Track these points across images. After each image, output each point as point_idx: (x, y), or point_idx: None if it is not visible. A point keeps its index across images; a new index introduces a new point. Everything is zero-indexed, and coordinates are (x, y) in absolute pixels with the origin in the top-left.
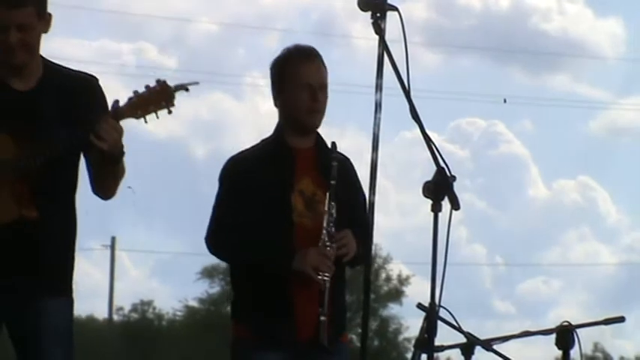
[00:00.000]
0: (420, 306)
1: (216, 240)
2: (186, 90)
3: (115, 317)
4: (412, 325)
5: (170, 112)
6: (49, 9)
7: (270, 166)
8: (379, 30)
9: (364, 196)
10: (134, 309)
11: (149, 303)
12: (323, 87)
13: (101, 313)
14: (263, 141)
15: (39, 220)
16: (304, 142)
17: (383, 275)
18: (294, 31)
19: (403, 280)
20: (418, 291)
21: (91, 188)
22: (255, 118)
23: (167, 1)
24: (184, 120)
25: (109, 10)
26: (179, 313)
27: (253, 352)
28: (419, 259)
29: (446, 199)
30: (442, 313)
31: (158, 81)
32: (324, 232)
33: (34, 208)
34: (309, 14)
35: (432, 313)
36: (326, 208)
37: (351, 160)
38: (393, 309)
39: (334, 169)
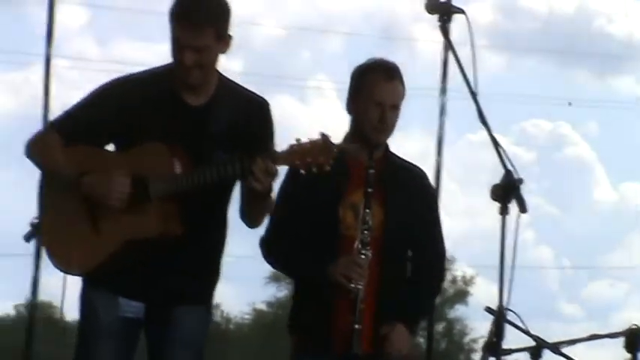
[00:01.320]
0: (488, 309)
1: (268, 247)
2: (348, 153)
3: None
4: (478, 327)
5: (328, 168)
6: (116, 11)
7: (325, 177)
8: (446, 33)
9: (437, 217)
10: None
11: (217, 306)
12: (395, 107)
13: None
14: None
15: (183, 237)
16: (362, 156)
17: (449, 277)
18: (359, 34)
19: (468, 281)
20: (483, 291)
21: (239, 214)
22: (320, 121)
23: (232, 5)
24: None
25: None
26: (247, 317)
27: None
28: (485, 262)
29: (513, 201)
30: (510, 316)
31: (322, 135)
32: (358, 239)
33: (180, 225)
34: (373, 17)
35: (500, 317)
36: (360, 216)
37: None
38: (458, 310)
39: (370, 176)
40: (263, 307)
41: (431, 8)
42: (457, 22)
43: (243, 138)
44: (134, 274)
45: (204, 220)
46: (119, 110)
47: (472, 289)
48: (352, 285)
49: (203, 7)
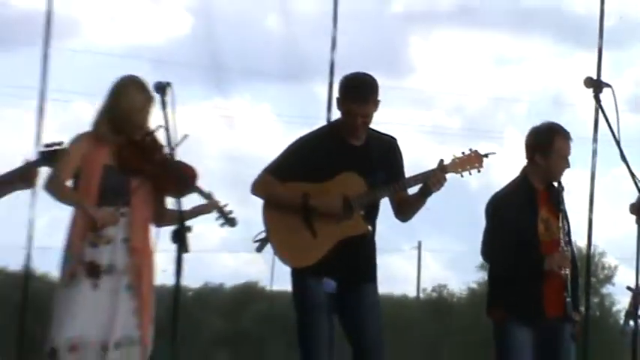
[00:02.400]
0: (628, 288)
1: (492, 257)
2: (486, 157)
3: (421, 295)
4: (622, 301)
5: (479, 171)
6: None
7: (524, 202)
8: (598, 100)
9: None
10: (433, 290)
11: (444, 286)
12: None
13: (411, 293)
14: (513, 181)
15: (367, 234)
16: (543, 186)
17: (600, 265)
18: (537, 102)
19: (614, 268)
20: (624, 275)
21: (394, 214)
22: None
23: None
24: None
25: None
26: (464, 293)
27: (511, 327)
28: (626, 255)
29: None
30: None
31: (471, 149)
32: (562, 241)
33: (368, 226)
34: (548, 88)
35: (637, 293)
36: (560, 225)
37: (566, 190)
38: (608, 289)
39: (562, 197)
40: (475, 286)
41: (588, 84)
42: (606, 93)
43: (389, 167)
44: (334, 261)
45: (373, 222)
46: (311, 157)
47: (617, 274)
48: (562, 271)
49: (367, 86)
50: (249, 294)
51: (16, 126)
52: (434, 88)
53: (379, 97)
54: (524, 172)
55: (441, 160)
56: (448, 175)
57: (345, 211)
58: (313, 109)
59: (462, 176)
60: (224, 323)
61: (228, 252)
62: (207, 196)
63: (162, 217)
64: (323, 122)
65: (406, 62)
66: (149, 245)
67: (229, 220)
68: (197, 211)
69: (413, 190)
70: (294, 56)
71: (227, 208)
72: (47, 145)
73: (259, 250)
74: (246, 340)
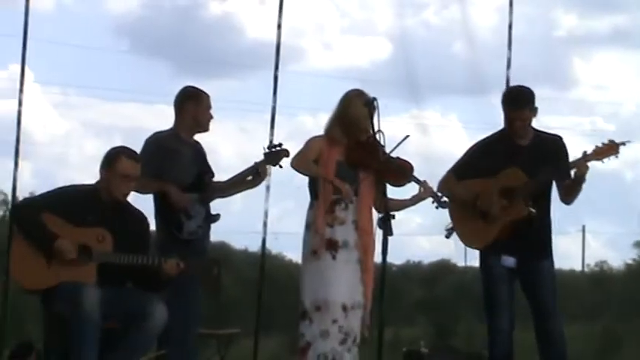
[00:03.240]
0: None
1: None
2: (623, 144)
3: (585, 270)
4: None
5: (617, 157)
6: None
7: None
8: None
9: None
10: (596, 265)
11: (605, 262)
12: None
13: (577, 267)
14: None
15: (530, 216)
16: None
17: None
18: None
19: None
20: None
21: (560, 198)
22: None
23: None
24: None
25: None
26: (621, 268)
27: None
28: None
29: None
30: None
31: (609, 140)
32: None
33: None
34: None
35: None
36: None
37: None
38: None
39: None
40: (630, 262)
41: None
42: None
43: (555, 156)
44: (510, 241)
45: (542, 207)
46: (484, 157)
47: None
48: None
49: (522, 96)
50: (443, 269)
51: (253, 135)
52: (593, 98)
53: (536, 105)
54: None
55: (584, 152)
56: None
57: (510, 198)
58: (491, 117)
59: (602, 162)
60: (423, 292)
61: (424, 235)
62: (423, 184)
63: (383, 205)
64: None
65: (570, 77)
66: (373, 226)
67: (442, 203)
68: (417, 198)
69: None
70: (476, 74)
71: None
72: (270, 147)
73: (448, 236)
74: (441, 307)
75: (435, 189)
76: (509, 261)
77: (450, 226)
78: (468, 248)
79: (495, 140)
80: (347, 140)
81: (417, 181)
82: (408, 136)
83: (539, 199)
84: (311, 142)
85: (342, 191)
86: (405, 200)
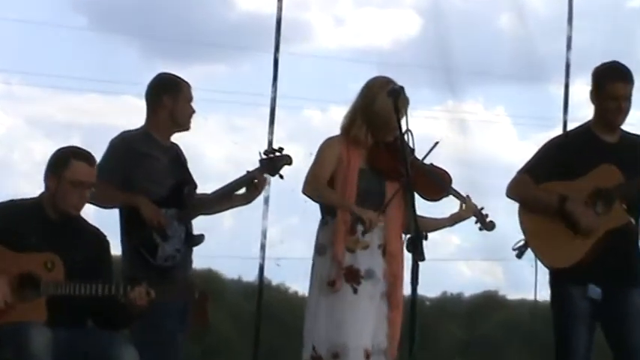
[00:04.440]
0: None
1: None
2: None
3: None
4: None
5: None
6: None
7: None
8: None
9: None
10: None
11: None
12: None
13: None
14: None
15: (630, 225)
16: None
17: None
18: None
19: None
20: None
21: None
22: None
23: None
24: None
25: None
26: None
27: None
28: None
29: None
30: None
31: None
32: None
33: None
34: None
35: None
36: None
37: None
38: None
39: None
40: None
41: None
42: None
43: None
44: (597, 264)
45: (636, 218)
46: (564, 156)
47: None
48: None
49: (628, 69)
50: (489, 303)
51: (247, 136)
52: None
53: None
54: None
55: None
56: None
57: (604, 201)
58: (549, 111)
59: None
60: (464, 333)
61: (464, 260)
62: (464, 199)
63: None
64: (559, 124)
65: None
66: (403, 252)
67: (487, 225)
68: (457, 217)
69: None
70: (528, 56)
71: (484, 212)
72: (267, 152)
73: (519, 256)
74: (486, 348)
75: (478, 206)
76: (595, 291)
77: (522, 242)
78: (516, 276)
79: (577, 136)
80: (372, 142)
81: (458, 196)
82: (437, 143)
83: (631, 210)
84: (326, 150)
85: (363, 222)
86: (440, 220)
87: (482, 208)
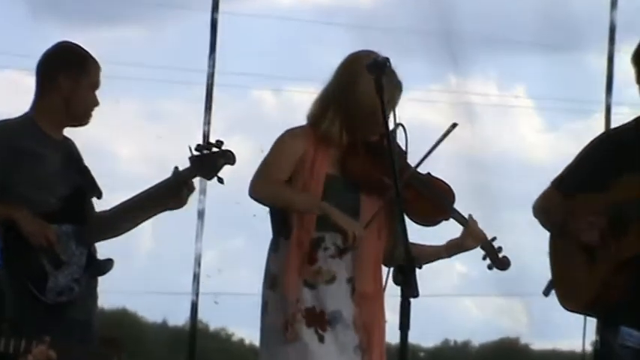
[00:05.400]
0: None
1: None
2: None
3: None
4: None
5: None
6: None
7: None
8: None
9: None
10: None
11: None
12: None
13: None
14: None
15: None
16: None
17: None
18: None
19: None
20: None
21: None
22: None
23: None
24: None
25: None
26: None
27: None
28: None
29: None
30: None
31: None
32: None
33: None
34: None
35: None
36: None
37: None
38: None
39: None
40: None
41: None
42: None
43: None
44: (628, 298)
45: None
46: (611, 158)
47: None
48: None
49: None
50: (507, 353)
51: (173, 125)
52: None
53: None
54: None
55: None
56: None
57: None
58: (587, 92)
59: None
60: None
61: (472, 296)
62: (467, 224)
63: (395, 254)
64: (601, 109)
65: None
66: (381, 290)
67: (498, 261)
68: (455, 247)
69: None
70: (557, 20)
71: (495, 243)
72: (198, 149)
73: (546, 294)
74: None
75: (489, 235)
76: (630, 336)
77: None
78: (542, 318)
79: (626, 132)
80: (348, 140)
81: (459, 219)
82: (455, 125)
83: None
84: (285, 145)
85: (346, 234)
86: (436, 248)
87: (494, 239)
